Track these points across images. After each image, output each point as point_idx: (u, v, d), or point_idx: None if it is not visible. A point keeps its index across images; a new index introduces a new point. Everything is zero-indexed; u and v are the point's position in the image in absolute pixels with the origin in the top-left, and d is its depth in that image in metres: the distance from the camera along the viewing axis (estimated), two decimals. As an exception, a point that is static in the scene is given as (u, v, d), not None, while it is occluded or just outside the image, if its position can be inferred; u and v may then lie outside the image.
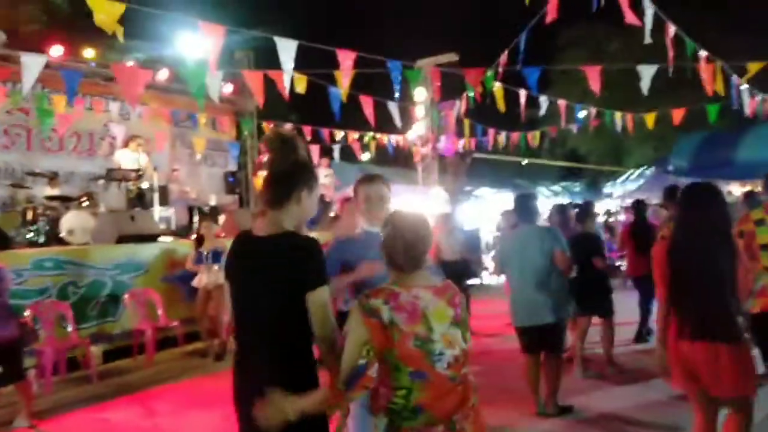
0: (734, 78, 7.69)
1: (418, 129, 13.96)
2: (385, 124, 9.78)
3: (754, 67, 7.24)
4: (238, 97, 11.42)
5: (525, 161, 22.61)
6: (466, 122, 12.30)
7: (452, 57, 14.30)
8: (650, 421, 4.38)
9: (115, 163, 8.91)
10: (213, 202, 10.47)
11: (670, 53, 5.72)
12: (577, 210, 6.20)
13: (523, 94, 8.25)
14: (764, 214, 3.92)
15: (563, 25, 22.08)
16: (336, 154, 12.57)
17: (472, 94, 7.24)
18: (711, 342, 2.83)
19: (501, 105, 7.64)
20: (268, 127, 11.45)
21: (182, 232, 9.18)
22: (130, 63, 8.34)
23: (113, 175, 8.63)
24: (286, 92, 5.62)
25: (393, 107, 8.10)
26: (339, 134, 12.68)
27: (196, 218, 9.47)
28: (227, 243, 7.67)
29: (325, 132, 11.97)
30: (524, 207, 4.66)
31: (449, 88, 10.90)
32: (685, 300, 2.96)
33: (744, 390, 2.87)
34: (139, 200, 8.72)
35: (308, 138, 11.68)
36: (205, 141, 10.82)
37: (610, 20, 12.49)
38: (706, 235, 2.94)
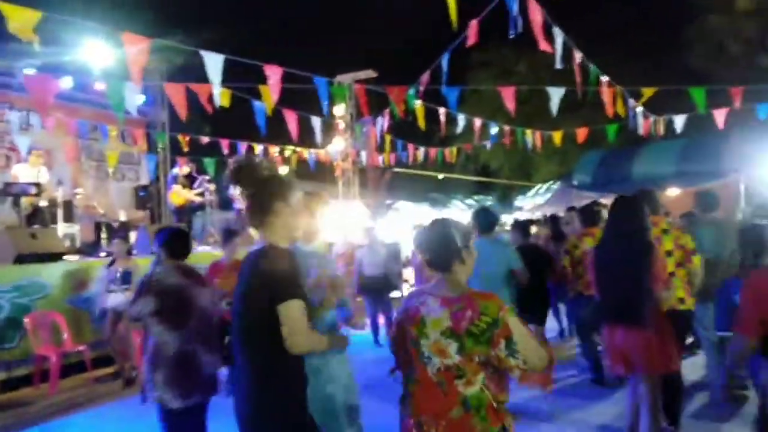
0: (631, 101, 8.40)
1: (339, 144, 14.03)
2: (306, 138, 9.77)
3: (648, 91, 7.96)
4: (151, 108, 10.95)
5: (441, 176, 23.28)
6: (388, 138, 12.54)
7: (370, 74, 14.55)
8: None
9: (12, 177, 8.24)
10: (123, 217, 9.92)
11: (577, 78, 6.17)
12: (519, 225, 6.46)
13: (442, 111, 8.53)
14: (669, 225, 4.34)
15: (475, 48, 23.10)
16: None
17: (396, 111, 7.40)
18: (627, 327, 3.44)
19: (422, 122, 7.87)
20: (183, 139, 11.03)
21: (89, 250, 8.62)
22: (32, 71, 7.77)
23: (9, 190, 7.97)
24: (211, 106, 5.47)
25: (316, 122, 8.10)
26: (258, 148, 12.46)
27: (104, 235, 8.93)
28: (138, 262, 7.34)
29: (242, 146, 11.72)
30: (483, 220, 4.86)
31: (370, 104, 11.06)
32: (608, 293, 3.56)
33: (660, 367, 3.51)
34: (36, 217, 8.10)
35: (225, 152, 11.39)
36: (117, 154, 10.26)
37: (517, 44, 13.23)
38: (628, 241, 3.51)
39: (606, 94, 7.38)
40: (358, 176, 16.29)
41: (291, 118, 7.31)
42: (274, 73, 5.54)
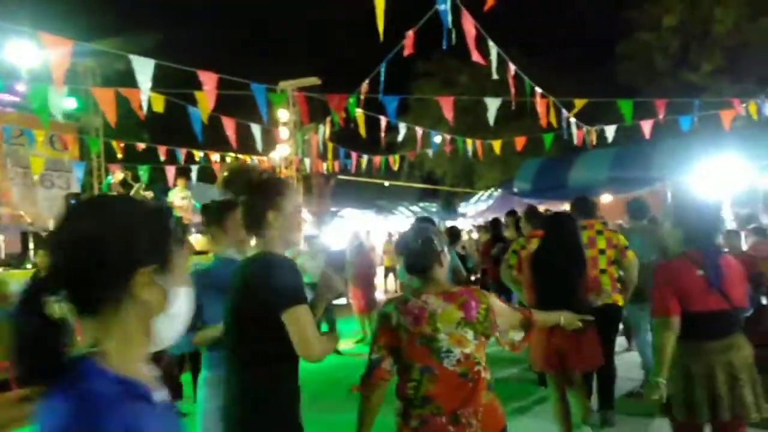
0: (564, 112, 8.75)
1: (282, 151, 13.90)
2: (247, 145, 9.62)
3: (579, 103, 8.32)
4: (83, 113, 10.51)
5: (387, 183, 23.45)
6: (330, 145, 12.52)
7: (314, 81, 14.52)
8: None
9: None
10: (52, 227, 9.47)
11: (512, 89, 6.38)
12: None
13: (383, 120, 8.62)
14: (602, 226, 4.78)
15: (419, 58, 23.48)
16: (194, 175, 12.01)
17: (336, 119, 7.41)
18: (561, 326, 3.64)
19: (362, 130, 7.92)
20: (118, 146, 10.64)
21: (15, 261, 8.16)
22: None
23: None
24: (142, 112, 5.31)
25: (256, 129, 7.99)
26: (198, 154, 12.17)
27: (31, 245, 8.48)
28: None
29: (181, 153, 11.41)
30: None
31: (312, 111, 11.02)
32: (545, 295, 3.81)
33: (590, 362, 3.89)
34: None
35: (163, 158, 11.06)
36: (44, 160, 9.77)
37: (459, 55, 13.55)
38: (563, 249, 3.88)
39: (540, 105, 7.66)
40: (302, 184, 16.20)
41: (229, 125, 7.19)
42: (209, 79, 5.45)
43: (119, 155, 10.65)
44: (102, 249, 0.95)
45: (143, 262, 0.99)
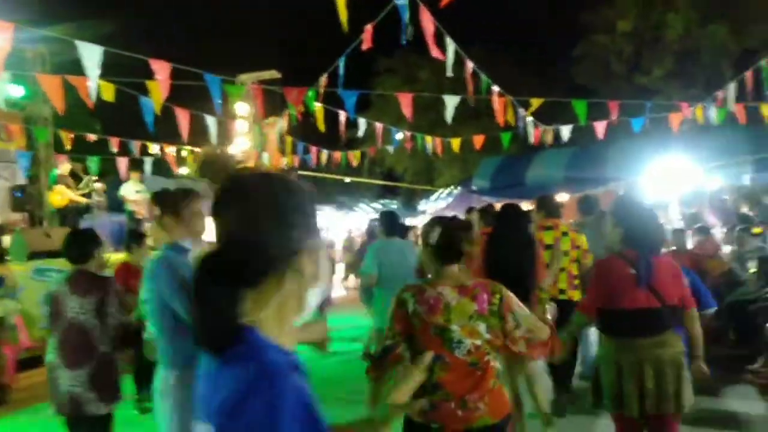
0: (521, 111, 8.89)
1: (241, 144, 13.65)
2: (202, 138, 9.41)
3: (535, 102, 8.47)
4: (30, 101, 10.07)
5: (348, 179, 23.39)
6: (289, 140, 12.36)
7: (274, 74, 14.30)
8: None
9: None
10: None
11: (470, 87, 6.44)
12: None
13: (342, 115, 8.57)
14: (567, 227, 5.03)
15: (381, 54, 23.48)
16: (148, 167, 11.65)
17: (293, 112, 7.31)
18: None
19: (321, 125, 7.85)
20: (67, 136, 10.23)
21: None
22: None
23: None
24: (90, 100, 5.10)
25: (211, 122, 7.81)
26: (153, 147, 11.80)
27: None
28: (12, 268, 6.73)
29: (135, 144, 11.05)
30: (392, 222, 5.08)
31: (271, 105, 10.85)
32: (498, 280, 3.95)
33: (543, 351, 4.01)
34: None
35: (115, 150, 10.70)
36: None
37: (420, 52, 13.61)
38: (514, 242, 4.02)
39: (497, 104, 7.76)
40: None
41: (183, 116, 7.00)
42: (162, 68, 5.29)
43: (68, 146, 10.24)
44: (283, 225, 1.03)
45: (309, 238, 1.07)
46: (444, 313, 2.31)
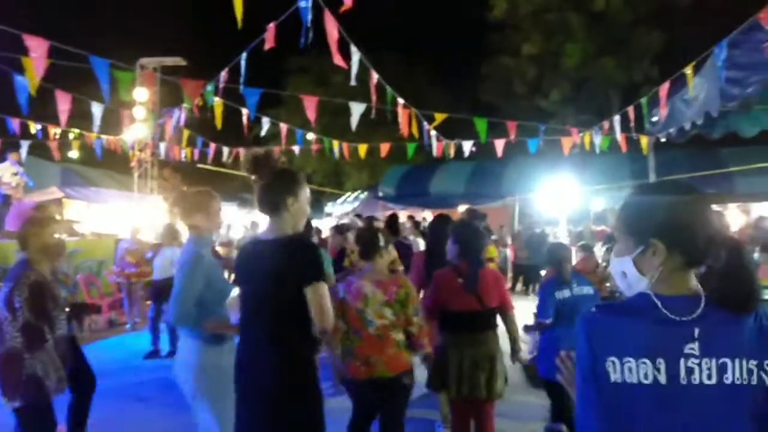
0: (425, 124, 9.06)
1: (137, 132, 12.87)
2: (85, 122, 8.72)
3: (439, 116, 8.67)
4: None
5: (253, 177, 22.71)
6: (186, 132, 11.80)
7: (180, 61, 13.62)
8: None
9: None
10: None
11: (373, 96, 6.45)
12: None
13: (245, 112, 8.30)
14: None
15: (293, 52, 23.13)
16: (26, 150, 10.65)
17: (190, 105, 6.95)
18: None
19: (219, 121, 7.54)
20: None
21: None
22: None
23: None
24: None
25: (97, 108, 7.25)
26: (34, 126, 10.77)
27: None
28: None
29: (13, 122, 10.04)
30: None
31: (171, 94, 10.30)
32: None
33: None
34: None
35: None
36: None
37: (331, 55, 13.52)
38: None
39: (402, 115, 7.85)
40: (158, 169, 15.13)
41: (64, 100, 6.43)
42: (38, 45, 4.82)
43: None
44: None
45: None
46: (363, 301, 3.23)
